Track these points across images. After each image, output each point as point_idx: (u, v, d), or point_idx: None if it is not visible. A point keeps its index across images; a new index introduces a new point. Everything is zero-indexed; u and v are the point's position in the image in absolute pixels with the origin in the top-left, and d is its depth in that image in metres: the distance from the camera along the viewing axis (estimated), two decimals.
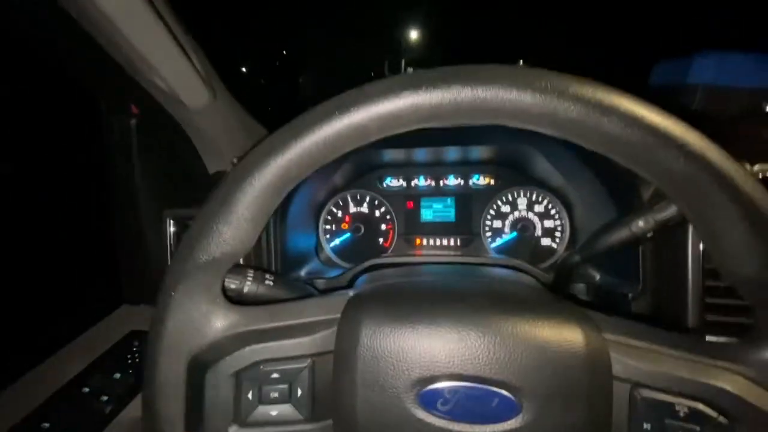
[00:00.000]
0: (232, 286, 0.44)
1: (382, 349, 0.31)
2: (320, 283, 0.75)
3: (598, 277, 0.71)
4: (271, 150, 0.29)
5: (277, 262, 0.74)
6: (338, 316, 0.34)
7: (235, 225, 0.30)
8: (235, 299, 0.44)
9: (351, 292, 0.38)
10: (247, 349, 0.33)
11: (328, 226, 0.92)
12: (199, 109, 0.64)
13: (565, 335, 0.31)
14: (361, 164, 0.87)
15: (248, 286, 0.43)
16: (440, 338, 0.31)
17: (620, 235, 0.54)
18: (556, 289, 0.60)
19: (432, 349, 0.31)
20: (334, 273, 0.76)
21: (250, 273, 0.44)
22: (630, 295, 0.63)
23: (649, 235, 0.52)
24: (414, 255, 0.81)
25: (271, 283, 0.44)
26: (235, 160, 0.77)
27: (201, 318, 0.32)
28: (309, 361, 0.34)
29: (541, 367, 0.30)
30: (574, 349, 0.30)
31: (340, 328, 0.34)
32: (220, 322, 0.32)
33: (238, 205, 0.30)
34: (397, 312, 0.33)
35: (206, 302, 0.32)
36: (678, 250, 0.56)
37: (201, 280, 0.32)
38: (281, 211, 0.76)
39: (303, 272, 0.83)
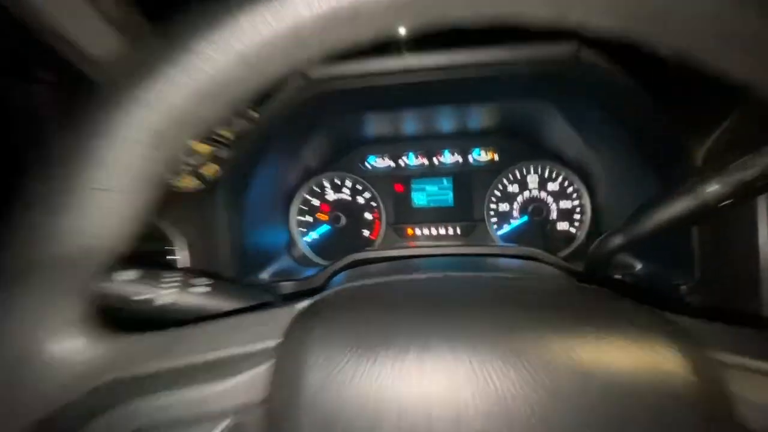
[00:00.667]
0: (135, 298, 0.31)
1: (339, 402, 0.19)
2: (287, 286, 0.61)
3: (639, 266, 0.57)
4: (146, 71, 0.18)
5: (234, 263, 0.59)
6: (276, 343, 0.22)
7: (93, 200, 0.19)
8: (138, 318, 0.32)
9: (303, 303, 0.25)
10: (125, 408, 0.20)
11: (301, 217, 0.80)
12: (113, 64, 0.48)
13: (655, 361, 0.19)
14: (338, 141, 0.76)
15: (163, 297, 0.31)
16: (438, 378, 0.19)
17: (682, 206, 0.39)
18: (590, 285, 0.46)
19: (424, 401, 0.18)
20: (309, 272, 0.65)
21: (168, 277, 0.33)
22: (684, 286, 0.49)
23: (726, 203, 0.37)
24: (405, 247, 0.68)
25: (206, 289, 0.34)
26: None
27: (43, 361, 0.20)
28: (227, 421, 0.21)
29: (621, 423, 0.18)
30: (674, 386, 0.18)
31: (277, 364, 0.21)
32: (78, 365, 0.21)
33: (94, 167, 0.18)
34: (366, 333, 0.21)
35: (52, 333, 0.20)
36: (744, 229, 0.44)
37: (38, 294, 0.20)
38: (237, 200, 0.61)
39: (269, 273, 0.68)
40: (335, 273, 0.57)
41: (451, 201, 0.79)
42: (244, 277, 0.63)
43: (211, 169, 0.61)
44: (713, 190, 0.37)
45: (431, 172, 0.79)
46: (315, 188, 0.81)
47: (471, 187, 0.78)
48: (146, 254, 0.61)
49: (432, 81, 0.51)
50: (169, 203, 0.60)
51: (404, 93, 0.54)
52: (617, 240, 0.47)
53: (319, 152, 0.76)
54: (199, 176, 0.61)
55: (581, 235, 0.75)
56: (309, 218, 0.80)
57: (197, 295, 0.34)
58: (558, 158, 0.75)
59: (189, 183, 0.62)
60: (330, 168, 0.80)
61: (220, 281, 0.37)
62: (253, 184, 0.64)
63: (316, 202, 0.81)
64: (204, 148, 0.62)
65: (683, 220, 0.41)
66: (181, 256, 0.56)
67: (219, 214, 0.60)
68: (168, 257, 0.56)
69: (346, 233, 0.80)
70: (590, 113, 0.58)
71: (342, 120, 0.66)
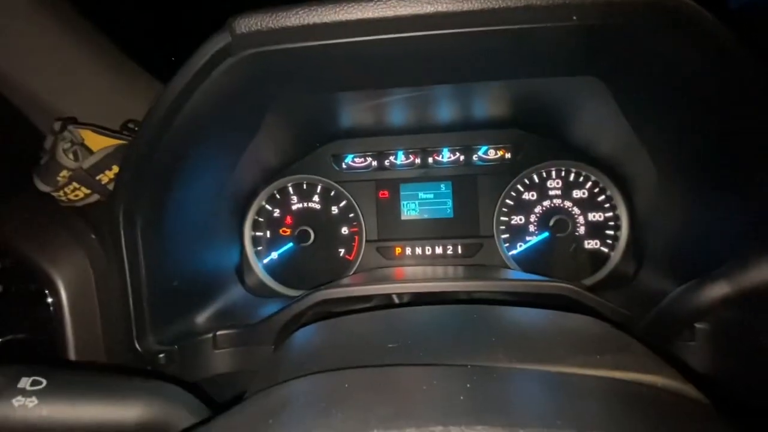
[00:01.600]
0: None
1: None
2: (225, 338, 0.46)
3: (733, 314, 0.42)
4: None
5: (152, 304, 0.44)
6: None
7: None
8: None
9: None
10: None
11: (258, 233, 0.69)
12: None
13: None
14: (304, 132, 0.63)
15: None
16: None
17: None
18: (657, 347, 0.33)
19: None
20: (267, 309, 0.53)
21: None
22: None
23: None
24: (390, 277, 0.55)
25: (31, 402, 0.24)
26: (56, 125, 0.43)
27: None
28: None
29: None
30: None
31: None
32: None
33: None
34: None
35: None
36: None
37: None
38: (157, 212, 0.45)
39: (208, 314, 0.52)
40: (294, 319, 0.45)
41: (450, 212, 0.69)
42: (170, 323, 0.46)
43: (110, 173, 0.43)
44: None
45: (425, 175, 0.70)
46: (276, 194, 0.69)
47: (476, 194, 0.68)
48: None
49: (430, 38, 0.33)
50: (47, 223, 0.42)
51: (388, 61, 0.37)
52: (717, 289, 0.32)
53: (279, 147, 0.60)
54: (93, 184, 0.43)
55: (615, 256, 0.64)
56: (268, 234, 0.69)
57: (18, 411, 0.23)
58: (586, 158, 0.63)
59: (78, 193, 0.43)
60: (295, 168, 0.69)
61: (64, 377, 0.26)
62: (183, 190, 0.47)
63: (277, 212, 0.69)
64: (100, 140, 0.43)
65: None
66: (54, 301, 0.38)
67: (125, 234, 0.42)
68: (38, 304, 0.38)
69: (315, 253, 0.69)
70: (656, 95, 0.41)
71: (304, 103, 0.49)
